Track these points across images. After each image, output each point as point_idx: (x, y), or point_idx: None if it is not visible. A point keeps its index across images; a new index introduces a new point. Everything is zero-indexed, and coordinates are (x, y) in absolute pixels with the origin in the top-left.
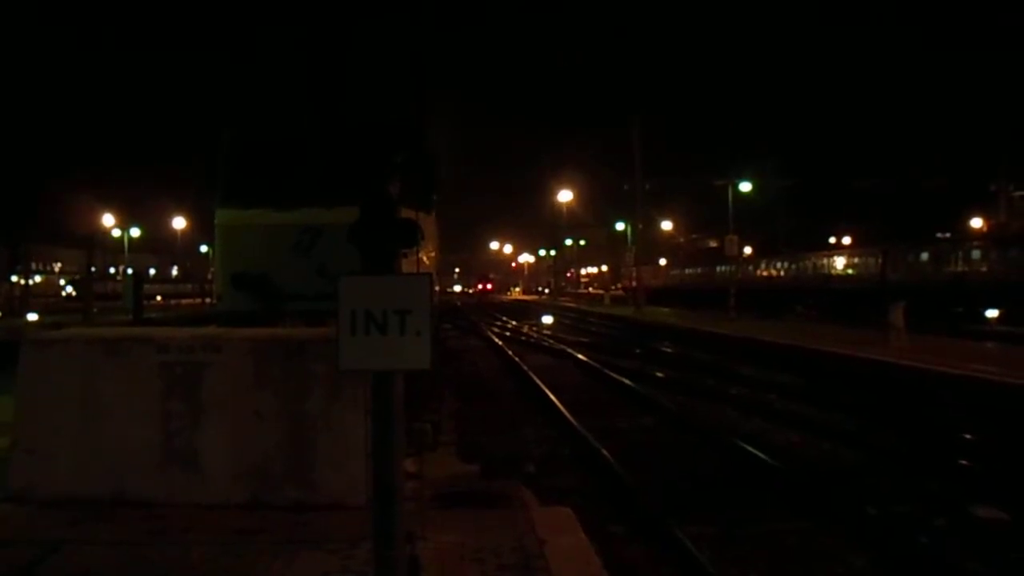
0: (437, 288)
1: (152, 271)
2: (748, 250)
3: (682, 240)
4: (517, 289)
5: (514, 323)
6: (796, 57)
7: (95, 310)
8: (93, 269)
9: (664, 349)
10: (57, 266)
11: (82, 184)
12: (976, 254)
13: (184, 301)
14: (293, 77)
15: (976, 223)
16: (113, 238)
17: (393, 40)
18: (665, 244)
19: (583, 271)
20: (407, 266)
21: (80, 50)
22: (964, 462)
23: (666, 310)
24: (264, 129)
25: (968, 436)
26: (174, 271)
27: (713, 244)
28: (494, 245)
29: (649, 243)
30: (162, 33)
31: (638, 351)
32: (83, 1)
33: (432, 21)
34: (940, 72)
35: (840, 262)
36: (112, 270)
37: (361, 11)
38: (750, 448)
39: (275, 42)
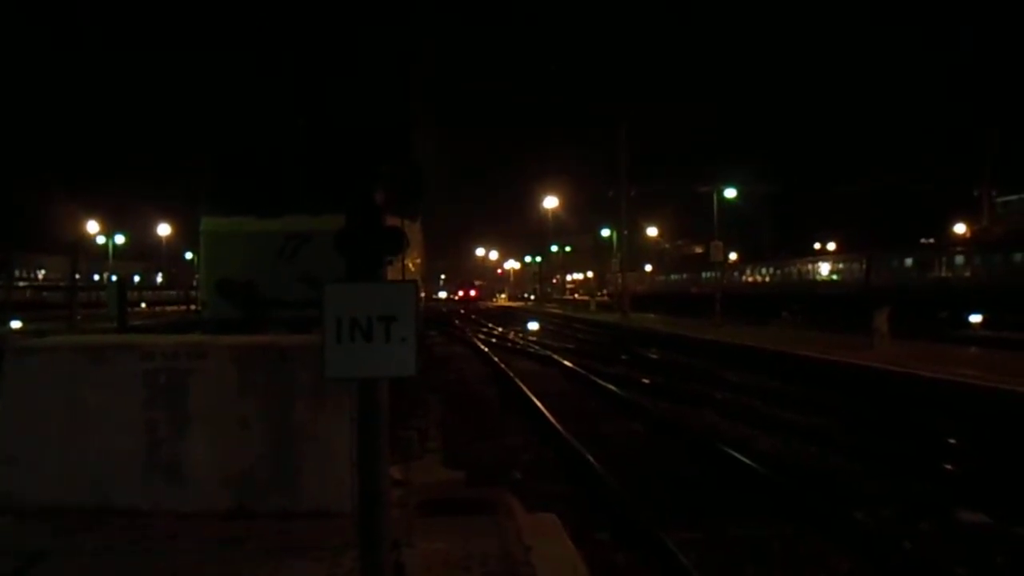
0: (423, 295)
1: (137, 278)
2: (733, 256)
3: (667, 246)
4: (503, 296)
5: (500, 330)
6: (780, 63)
7: (79, 317)
8: (77, 276)
9: (650, 355)
10: (41, 273)
11: (67, 191)
12: (959, 259)
13: (169, 308)
14: (280, 83)
15: (959, 228)
16: (98, 245)
17: (381, 47)
18: (650, 250)
19: (569, 277)
20: (392, 273)
21: (65, 52)
22: (948, 466)
23: (652, 316)
24: (250, 136)
25: (952, 441)
26: (158, 278)
27: (698, 250)
28: (480, 252)
29: (635, 249)
30: (149, 36)
31: (624, 357)
32: (66, 4)
33: (421, 29)
34: (923, 77)
35: (825, 268)
36: (96, 277)
37: (350, 18)
38: (735, 453)
39: (262, 48)
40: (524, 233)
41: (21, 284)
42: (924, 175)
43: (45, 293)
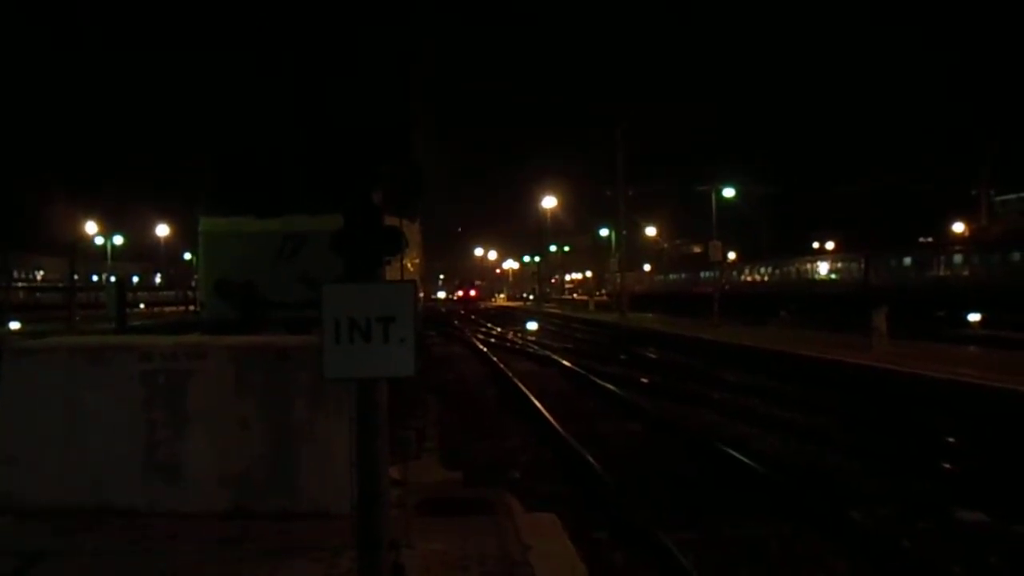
0: (421, 295)
1: (135, 279)
2: (732, 256)
3: (666, 246)
4: (502, 296)
5: (499, 330)
6: (780, 63)
7: (78, 318)
8: (76, 277)
9: (649, 355)
10: (39, 274)
11: (66, 191)
12: (958, 259)
13: (168, 309)
14: (280, 83)
15: (958, 228)
16: (96, 246)
17: (381, 47)
18: (649, 250)
19: (567, 277)
20: (391, 273)
21: (65, 52)
22: (947, 465)
23: (650, 316)
24: (249, 136)
25: (951, 440)
26: (157, 279)
27: (697, 250)
28: (478, 251)
29: (633, 249)
30: (149, 36)
31: (623, 357)
32: (66, 4)
33: (421, 29)
34: (923, 77)
35: (823, 267)
36: (95, 278)
37: (350, 18)
38: (733, 452)
39: (262, 48)
40: (523, 233)
41: (19, 285)
42: (924, 175)
43: (39, 294)
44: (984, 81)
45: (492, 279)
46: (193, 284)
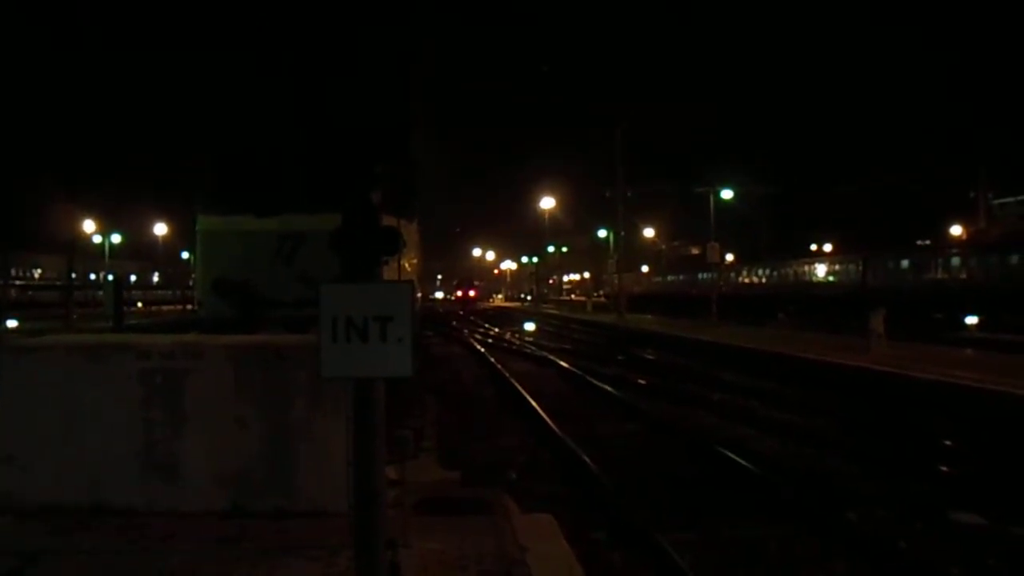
0: (419, 295)
1: (133, 277)
2: (730, 257)
3: (664, 247)
4: (499, 296)
5: (496, 330)
6: (780, 64)
7: (75, 316)
8: (74, 275)
9: (646, 356)
10: (37, 272)
11: (65, 190)
12: (955, 261)
13: (165, 307)
14: (279, 83)
15: (956, 230)
16: (94, 244)
17: (381, 47)
18: (647, 251)
19: (565, 278)
20: (388, 273)
21: (65, 52)
22: (944, 468)
23: (648, 317)
24: (248, 136)
25: (948, 442)
26: (155, 277)
27: (695, 251)
28: (477, 252)
29: (631, 250)
30: (149, 36)
31: (620, 358)
32: (66, 4)
33: (421, 29)
34: (923, 77)
35: (821, 269)
36: (93, 276)
37: (350, 18)
38: (731, 454)
39: (262, 48)
40: (521, 233)
41: (18, 283)
42: (923, 176)
43: (31, 292)
44: (984, 81)
45: (490, 279)
46: (191, 283)
